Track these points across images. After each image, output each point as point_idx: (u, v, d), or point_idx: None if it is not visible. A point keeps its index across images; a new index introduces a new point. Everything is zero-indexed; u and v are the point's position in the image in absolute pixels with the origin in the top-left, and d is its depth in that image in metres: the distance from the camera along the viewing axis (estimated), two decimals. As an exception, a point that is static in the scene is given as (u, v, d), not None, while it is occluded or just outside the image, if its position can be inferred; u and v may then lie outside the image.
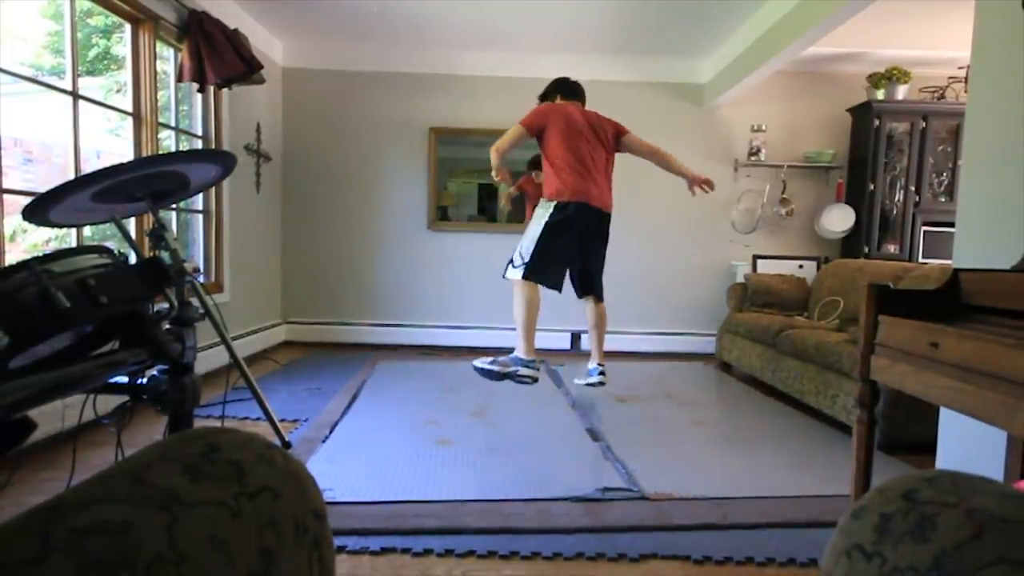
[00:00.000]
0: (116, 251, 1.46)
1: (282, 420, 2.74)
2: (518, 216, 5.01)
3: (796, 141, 4.83)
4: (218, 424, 2.58)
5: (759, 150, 4.75)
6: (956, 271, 1.56)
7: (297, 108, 4.80)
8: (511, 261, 2.92)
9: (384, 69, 4.77)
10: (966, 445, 1.99)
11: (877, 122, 4.40)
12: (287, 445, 2.24)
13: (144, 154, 3.04)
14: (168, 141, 3.48)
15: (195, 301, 1.71)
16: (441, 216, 4.93)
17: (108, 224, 1.84)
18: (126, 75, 3.07)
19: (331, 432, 2.66)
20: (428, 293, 4.88)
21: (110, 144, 3.21)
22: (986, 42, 2.00)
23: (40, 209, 1.50)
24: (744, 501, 2.03)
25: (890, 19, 3.82)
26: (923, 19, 3.86)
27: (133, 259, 1.52)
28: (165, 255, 1.61)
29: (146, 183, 1.60)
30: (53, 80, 2.69)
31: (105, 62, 3.22)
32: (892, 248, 4.49)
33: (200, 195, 3.71)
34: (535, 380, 2.87)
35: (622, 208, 4.87)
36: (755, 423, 3.02)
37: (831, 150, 4.76)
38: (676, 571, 1.62)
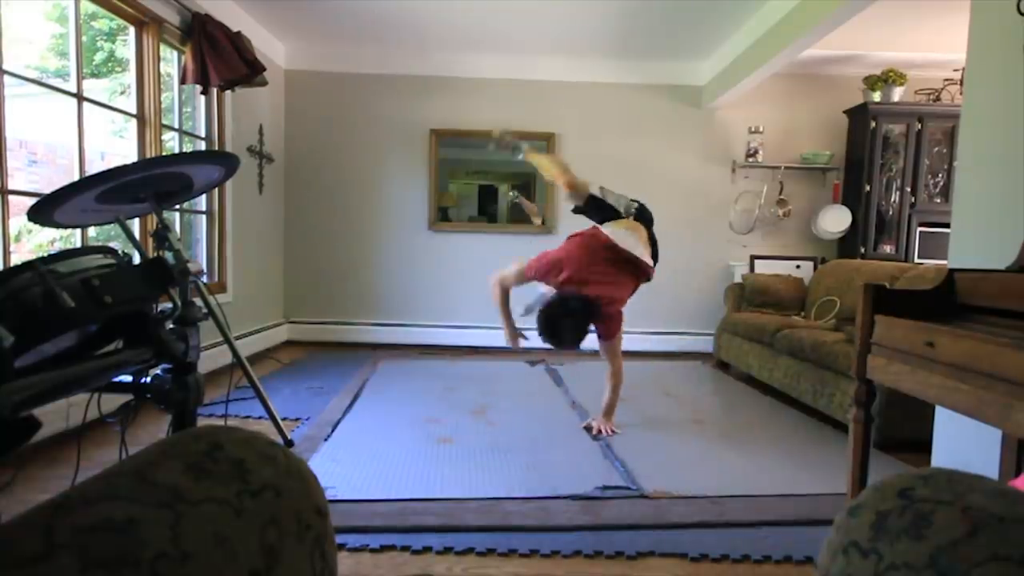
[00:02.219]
0: (120, 251, 1.47)
1: (284, 419, 2.75)
2: (516, 216, 5.04)
3: (793, 142, 4.85)
4: (221, 422, 2.60)
5: (756, 151, 4.77)
6: (951, 271, 1.57)
7: (299, 110, 4.82)
8: None
9: (385, 71, 4.79)
10: (961, 443, 2.00)
11: (873, 124, 4.42)
12: (289, 443, 2.26)
13: (148, 155, 3.06)
14: (172, 143, 3.50)
15: (198, 301, 1.73)
16: (442, 217, 4.96)
17: (112, 225, 1.86)
18: (130, 77, 3.09)
19: (333, 431, 2.67)
20: (429, 293, 4.90)
21: (114, 146, 3.24)
22: (981, 44, 2.01)
23: (45, 210, 1.51)
24: (741, 499, 2.05)
25: (886, 22, 3.85)
26: (919, 22, 3.89)
27: (137, 259, 1.54)
28: (169, 255, 1.62)
29: (150, 184, 1.61)
30: (58, 82, 2.71)
31: (109, 64, 3.25)
32: (888, 248, 4.51)
33: (203, 196, 3.72)
34: None
35: (621, 209, 4.91)
36: (752, 422, 3.03)
37: (828, 151, 4.78)
38: (673, 569, 1.63)
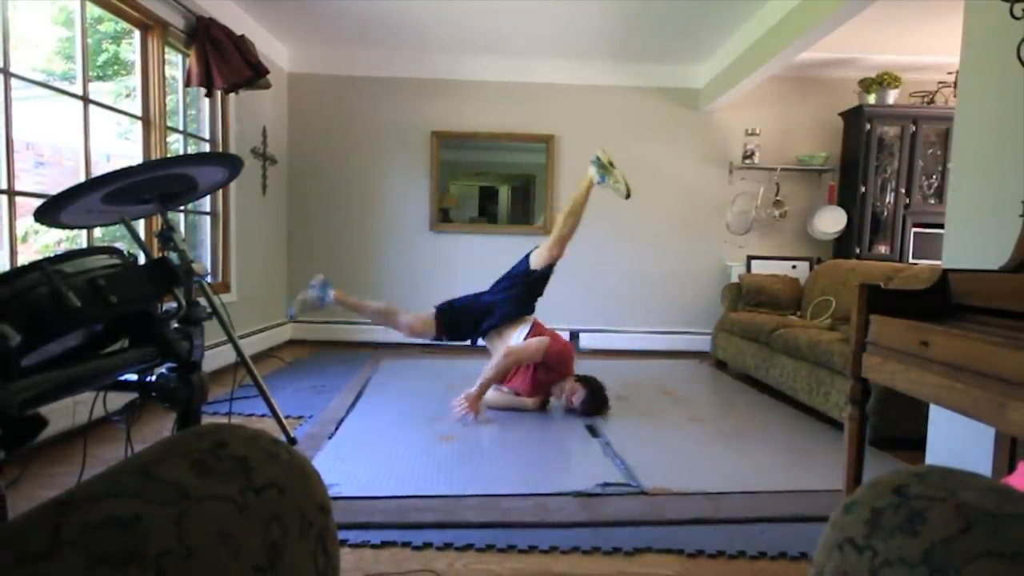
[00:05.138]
0: (126, 252, 1.49)
1: (288, 417, 2.78)
2: (517, 218, 5.08)
3: (789, 144, 4.88)
4: (225, 420, 2.62)
5: (753, 153, 4.80)
6: (945, 271, 1.58)
7: (302, 112, 4.85)
8: None
9: (387, 74, 4.82)
10: (955, 441, 2.02)
11: (868, 126, 4.45)
12: (292, 441, 2.27)
13: (153, 157, 3.09)
14: (176, 145, 3.53)
15: (203, 300, 1.75)
16: (443, 218, 4.98)
17: (118, 225, 1.88)
18: (135, 80, 3.11)
19: (337, 428, 2.70)
20: (430, 293, 4.90)
21: (120, 147, 3.25)
22: (975, 47, 2.03)
23: (52, 211, 1.52)
24: (738, 496, 2.07)
25: (881, 25, 3.87)
26: (913, 25, 3.92)
27: (142, 260, 1.56)
28: (174, 256, 1.64)
29: (155, 185, 1.63)
30: (64, 85, 2.73)
31: (115, 67, 3.26)
32: (883, 249, 4.54)
33: (208, 197, 3.75)
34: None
35: (621, 211, 4.93)
36: (749, 420, 3.05)
37: (823, 153, 4.81)
38: (670, 564, 1.64)
